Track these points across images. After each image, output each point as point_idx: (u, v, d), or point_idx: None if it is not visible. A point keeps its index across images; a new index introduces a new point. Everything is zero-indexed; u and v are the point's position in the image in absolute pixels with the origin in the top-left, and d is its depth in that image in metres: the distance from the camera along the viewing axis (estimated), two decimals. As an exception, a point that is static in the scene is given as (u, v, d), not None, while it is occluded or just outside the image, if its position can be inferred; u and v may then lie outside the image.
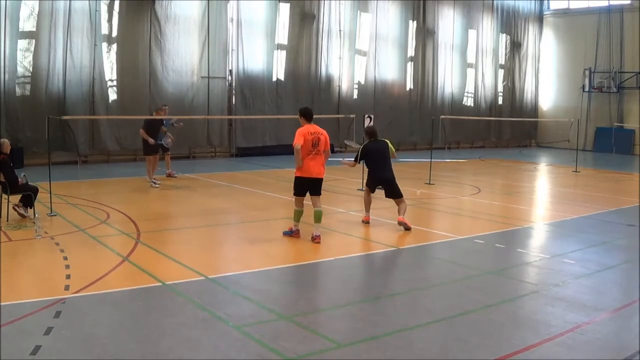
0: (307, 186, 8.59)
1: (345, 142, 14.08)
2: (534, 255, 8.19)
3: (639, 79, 27.75)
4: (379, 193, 9.82)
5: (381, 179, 9.74)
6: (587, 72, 29.28)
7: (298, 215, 8.67)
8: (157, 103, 18.95)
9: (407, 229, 9.34)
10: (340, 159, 10.72)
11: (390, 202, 9.75)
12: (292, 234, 8.73)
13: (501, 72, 30.63)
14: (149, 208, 11.34)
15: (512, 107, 31.09)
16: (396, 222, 9.41)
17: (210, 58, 20.15)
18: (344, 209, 11.09)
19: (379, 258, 7.88)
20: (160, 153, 14.37)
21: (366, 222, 9.87)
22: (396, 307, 6.09)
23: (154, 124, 13.94)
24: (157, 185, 13.51)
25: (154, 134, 13.82)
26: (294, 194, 8.67)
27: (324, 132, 8.65)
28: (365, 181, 10.32)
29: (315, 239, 8.43)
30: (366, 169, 10.17)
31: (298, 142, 8.33)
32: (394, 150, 9.96)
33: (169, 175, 14.95)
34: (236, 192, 13.40)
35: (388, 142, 9.93)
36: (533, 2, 31.80)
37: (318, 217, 8.54)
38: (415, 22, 26.40)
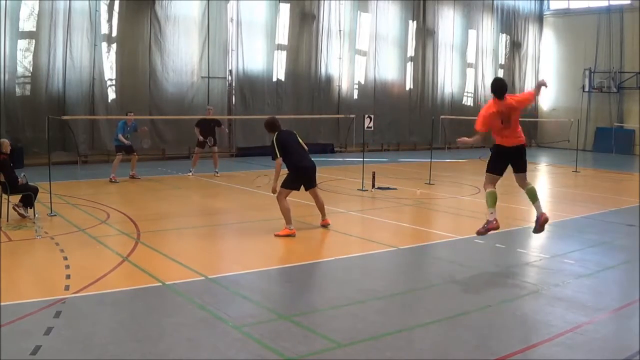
0: (508, 159, 7.36)
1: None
2: (534, 255, 8.18)
3: (639, 79, 27.75)
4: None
5: (306, 168, 8.84)
6: (587, 72, 29.29)
7: (492, 198, 7.19)
8: (157, 103, 19.04)
9: (325, 225, 9.15)
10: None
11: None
12: (488, 226, 7.31)
13: (501, 72, 30.58)
14: (149, 208, 11.34)
15: (512, 107, 31.03)
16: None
17: (210, 58, 20.15)
18: (344, 209, 11.08)
19: (379, 258, 7.87)
20: (124, 154, 14.37)
21: (292, 235, 8.54)
22: (396, 307, 6.08)
23: (204, 122, 15.40)
24: (190, 175, 15.14)
25: (203, 132, 15.34)
26: (488, 171, 7.38)
27: (516, 97, 7.43)
28: (286, 182, 8.83)
29: (542, 217, 7.35)
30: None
31: (476, 126, 7.28)
32: (302, 141, 9.03)
33: (132, 177, 14.57)
34: (236, 192, 13.40)
35: (295, 133, 9.06)
36: (533, 2, 31.79)
37: (534, 195, 7.38)
38: (415, 22, 26.40)
